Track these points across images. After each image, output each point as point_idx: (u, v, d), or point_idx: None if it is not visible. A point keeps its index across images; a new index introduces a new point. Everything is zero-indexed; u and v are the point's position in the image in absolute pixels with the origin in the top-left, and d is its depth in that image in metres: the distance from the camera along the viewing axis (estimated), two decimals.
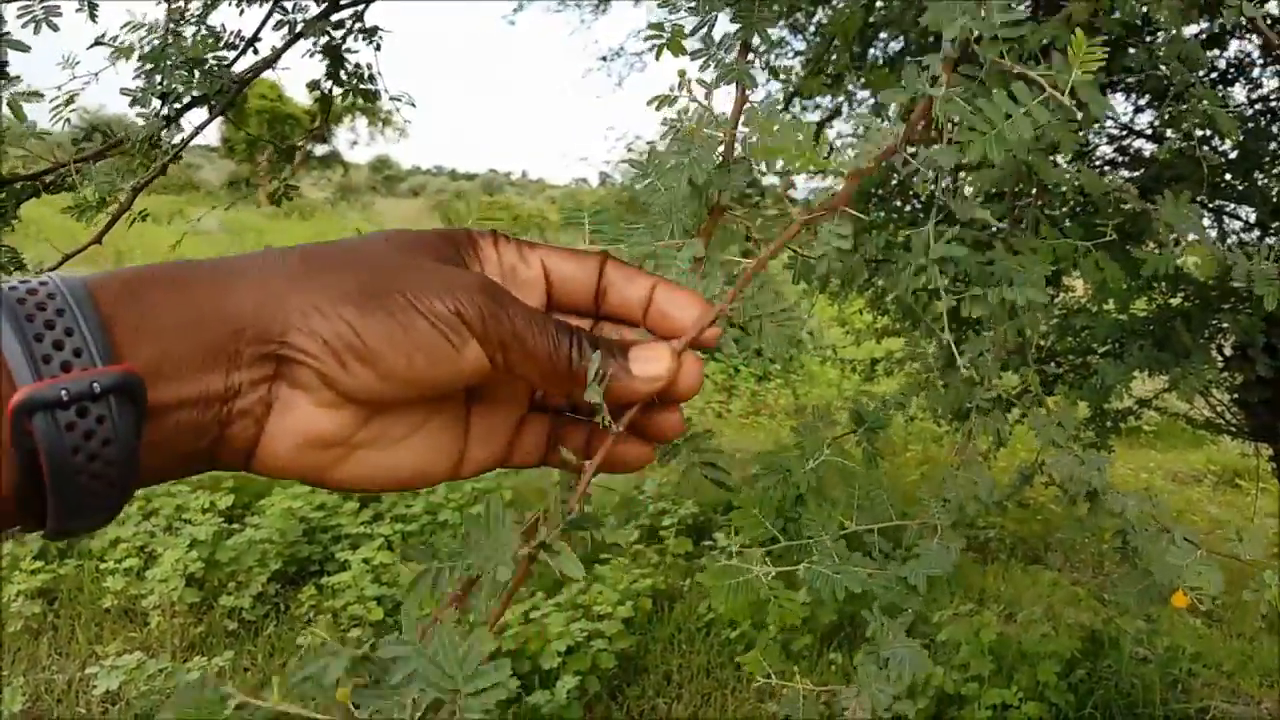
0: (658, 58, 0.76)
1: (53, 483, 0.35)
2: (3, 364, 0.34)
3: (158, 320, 0.38)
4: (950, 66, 0.71)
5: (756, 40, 0.76)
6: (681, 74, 0.71)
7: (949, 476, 0.84)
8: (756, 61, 0.75)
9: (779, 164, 0.65)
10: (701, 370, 0.47)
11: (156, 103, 1.19)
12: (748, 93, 0.72)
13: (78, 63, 1.22)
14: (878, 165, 0.65)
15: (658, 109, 0.73)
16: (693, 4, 0.74)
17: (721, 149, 0.69)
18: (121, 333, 0.37)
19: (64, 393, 0.34)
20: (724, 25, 0.77)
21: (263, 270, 0.40)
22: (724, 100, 0.74)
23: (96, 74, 1.27)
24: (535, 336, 0.43)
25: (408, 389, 0.41)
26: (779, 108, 0.66)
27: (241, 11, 1.29)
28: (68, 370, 0.35)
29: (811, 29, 3.44)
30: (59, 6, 1.05)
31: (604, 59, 5.85)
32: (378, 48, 1.42)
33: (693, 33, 0.74)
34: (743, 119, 0.70)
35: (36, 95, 1.09)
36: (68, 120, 1.24)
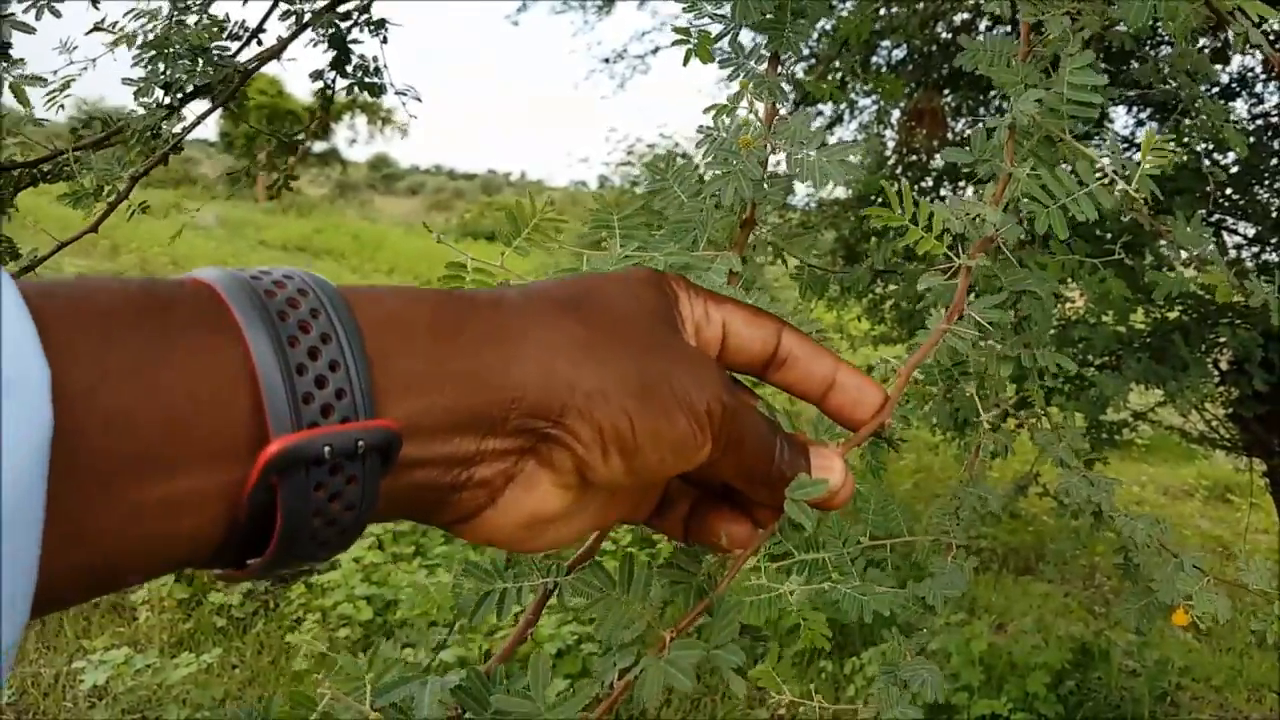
0: (685, 63, 0.74)
1: (279, 544, 0.30)
2: (258, 395, 0.28)
3: (427, 370, 0.33)
4: (1012, 134, 0.71)
5: (786, 53, 0.75)
6: (745, 85, 0.70)
7: (960, 493, 0.83)
8: (784, 72, 0.74)
9: (829, 186, 0.65)
10: (854, 487, 0.46)
11: (159, 93, 1.17)
12: (778, 106, 0.71)
13: (75, 47, 1.20)
14: (980, 251, 0.65)
15: (715, 117, 0.71)
16: (721, 11, 0.72)
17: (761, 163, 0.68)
18: (385, 377, 0.31)
19: (327, 449, 0.29)
20: (749, 32, 0.75)
21: (545, 336, 0.36)
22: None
23: (94, 60, 1.25)
24: (758, 440, 0.41)
25: (641, 480, 0.38)
26: (815, 124, 0.67)
27: (245, 1, 1.28)
28: (326, 414, 0.29)
29: (815, 35, 3.44)
30: None
31: (607, 61, 5.84)
32: (384, 40, 1.40)
33: (718, 39, 0.73)
34: (773, 132, 0.68)
35: (40, 80, 1.08)
36: (61, 106, 1.23)
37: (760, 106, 0.71)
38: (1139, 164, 0.69)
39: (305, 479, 0.29)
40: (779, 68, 0.77)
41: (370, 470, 0.30)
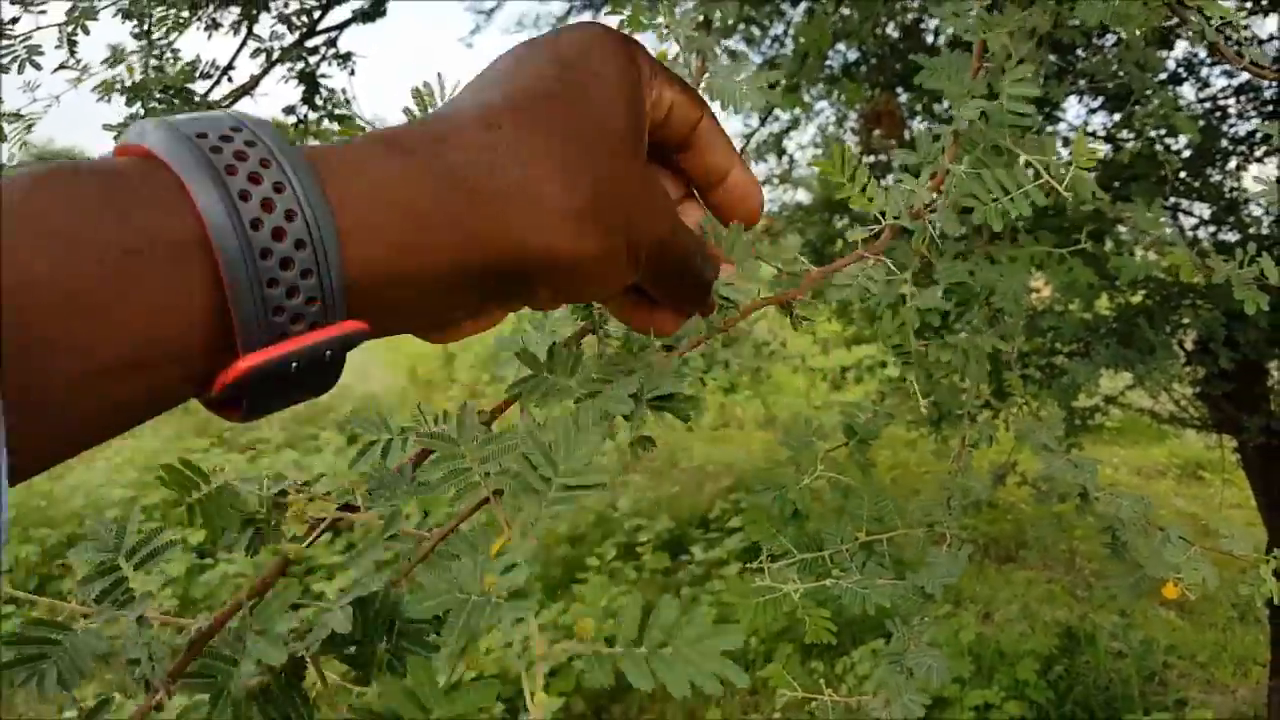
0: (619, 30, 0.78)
1: (244, 417, 0.31)
2: (230, 316, 0.28)
3: (414, 242, 0.33)
4: (956, 140, 0.77)
5: (717, 17, 0.78)
6: (671, 21, 0.72)
7: (949, 483, 0.85)
8: (715, 37, 0.77)
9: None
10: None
11: None
12: (707, 64, 0.73)
13: (38, 86, 1.20)
14: (912, 219, 0.69)
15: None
16: None
17: None
18: (361, 256, 0.31)
19: (295, 365, 0.30)
20: (684, 5, 0.78)
21: (533, 188, 0.36)
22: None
23: (58, 97, 1.24)
24: (683, 264, 0.43)
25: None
26: (742, 73, 0.70)
27: (210, 36, 1.29)
28: (296, 321, 0.30)
29: (768, 41, 3.47)
30: (40, 46, 1.04)
31: None
32: (352, 73, 1.43)
33: (653, 4, 0.76)
34: (704, 83, 0.70)
35: (17, 117, 1.08)
36: (24, 144, 1.22)
37: (693, 60, 0.72)
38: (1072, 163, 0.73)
39: (272, 387, 0.30)
40: (709, 30, 0.80)
41: (334, 364, 0.31)
